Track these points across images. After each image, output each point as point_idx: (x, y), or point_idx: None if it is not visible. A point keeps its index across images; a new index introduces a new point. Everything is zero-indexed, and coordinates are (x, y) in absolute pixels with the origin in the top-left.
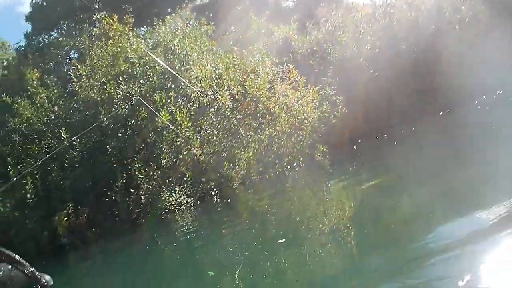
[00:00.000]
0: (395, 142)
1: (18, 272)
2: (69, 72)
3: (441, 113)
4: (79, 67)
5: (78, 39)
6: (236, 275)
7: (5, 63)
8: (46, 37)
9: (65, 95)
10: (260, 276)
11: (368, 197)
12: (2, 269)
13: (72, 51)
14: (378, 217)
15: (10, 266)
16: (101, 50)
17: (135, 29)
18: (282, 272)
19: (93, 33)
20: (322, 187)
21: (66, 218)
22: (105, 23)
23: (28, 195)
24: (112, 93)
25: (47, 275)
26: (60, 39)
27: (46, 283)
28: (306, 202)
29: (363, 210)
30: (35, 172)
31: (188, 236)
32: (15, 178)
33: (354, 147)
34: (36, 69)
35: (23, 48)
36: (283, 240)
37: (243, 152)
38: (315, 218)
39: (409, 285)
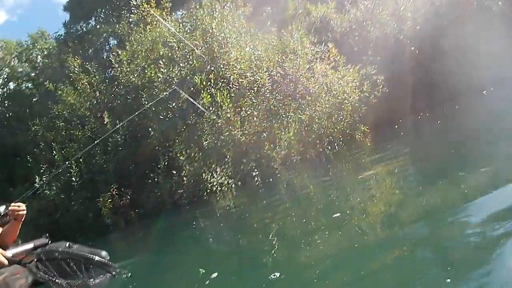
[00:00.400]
0: (438, 122)
1: (77, 248)
2: (110, 58)
3: (484, 92)
4: (119, 52)
5: (117, 26)
6: (295, 250)
7: (45, 52)
8: (84, 25)
9: (106, 81)
10: (321, 248)
11: (411, 176)
12: (60, 246)
13: (111, 38)
14: (422, 193)
15: (67, 244)
16: (140, 36)
17: (172, 13)
18: (343, 243)
19: (131, 19)
20: (363, 167)
21: (110, 200)
22: (142, 9)
23: (73, 179)
24: (153, 77)
25: (104, 251)
26: (98, 26)
27: (103, 258)
28: (349, 181)
29: (406, 188)
30: (79, 156)
31: (231, 216)
32: (66, 163)
33: (396, 126)
34: (76, 56)
35: (62, 37)
36: (338, 214)
37: (283, 133)
38: (360, 195)
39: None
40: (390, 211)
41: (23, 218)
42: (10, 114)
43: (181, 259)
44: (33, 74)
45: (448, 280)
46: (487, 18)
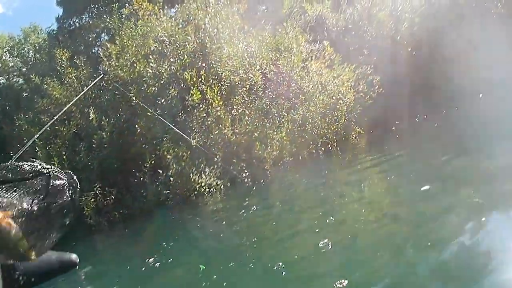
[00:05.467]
0: (436, 124)
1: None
2: (99, 53)
3: (480, 95)
4: (108, 46)
5: (108, 19)
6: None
7: (37, 47)
8: (77, 20)
9: (95, 75)
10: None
11: (404, 180)
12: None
13: (103, 34)
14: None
15: None
16: (131, 30)
17: (165, 8)
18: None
19: (123, 13)
20: (357, 169)
21: (93, 199)
22: (134, 3)
23: None
24: (142, 72)
25: (74, 254)
26: (91, 21)
27: (73, 261)
28: (341, 184)
29: (397, 192)
30: (63, 152)
31: (218, 218)
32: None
33: (393, 128)
34: (65, 50)
35: (54, 32)
36: (330, 218)
37: (275, 133)
38: (352, 198)
39: None
40: (381, 214)
41: None
42: None
43: (166, 264)
44: (24, 69)
45: None
46: (486, 20)
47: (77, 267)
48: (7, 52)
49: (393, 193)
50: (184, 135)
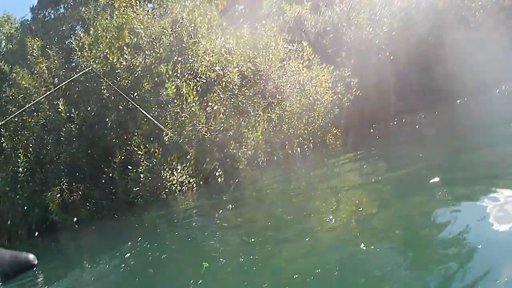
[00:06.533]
0: (417, 127)
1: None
2: (71, 43)
3: (458, 101)
4: (81, 36)
5: (83, 9)
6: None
7: (9, 36)
8: (52, 11)
9: (67, 66)
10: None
11: (377, 182)
12: None
13: (78, 26)
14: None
15: None
16: (106, 21)
17: (142, 2)
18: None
19: (99, 4)
20: (332, 171)
21: (59, 195)
22: None
23: (21, 169)
24: (115, 63)
25: (31, 254)
26: (66, 13)
27: (29, 262)
28: (316, 186)
29: (370, 193)
30: (30, 145)
31: (189, 219)
32: None
33: (371, 131)
34: (36, 38)
35: (28, 22)
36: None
37: (251, 132)
38: (326, 201)
39: None
40: (354, 216)
41: None
42: None
43: (137, 265)
44: None
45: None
46: (463, 28)
47: (35, 268)
48: None
49: (368, 193)
50: (163, 127)
